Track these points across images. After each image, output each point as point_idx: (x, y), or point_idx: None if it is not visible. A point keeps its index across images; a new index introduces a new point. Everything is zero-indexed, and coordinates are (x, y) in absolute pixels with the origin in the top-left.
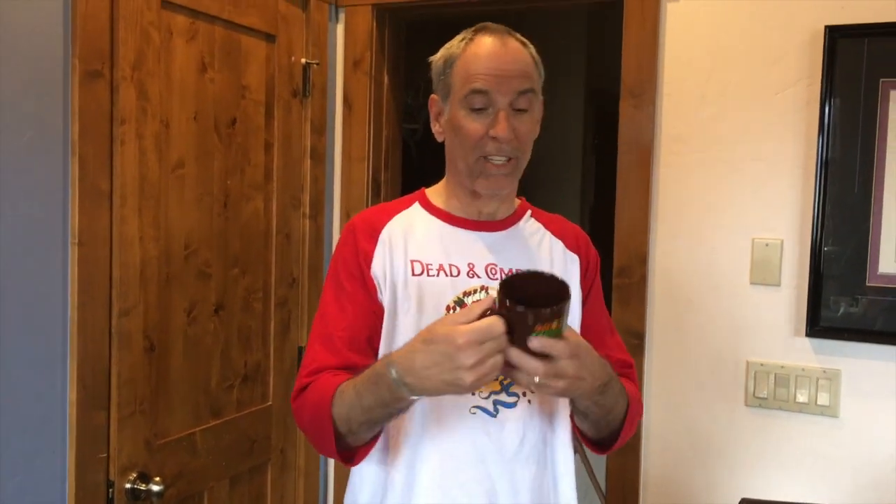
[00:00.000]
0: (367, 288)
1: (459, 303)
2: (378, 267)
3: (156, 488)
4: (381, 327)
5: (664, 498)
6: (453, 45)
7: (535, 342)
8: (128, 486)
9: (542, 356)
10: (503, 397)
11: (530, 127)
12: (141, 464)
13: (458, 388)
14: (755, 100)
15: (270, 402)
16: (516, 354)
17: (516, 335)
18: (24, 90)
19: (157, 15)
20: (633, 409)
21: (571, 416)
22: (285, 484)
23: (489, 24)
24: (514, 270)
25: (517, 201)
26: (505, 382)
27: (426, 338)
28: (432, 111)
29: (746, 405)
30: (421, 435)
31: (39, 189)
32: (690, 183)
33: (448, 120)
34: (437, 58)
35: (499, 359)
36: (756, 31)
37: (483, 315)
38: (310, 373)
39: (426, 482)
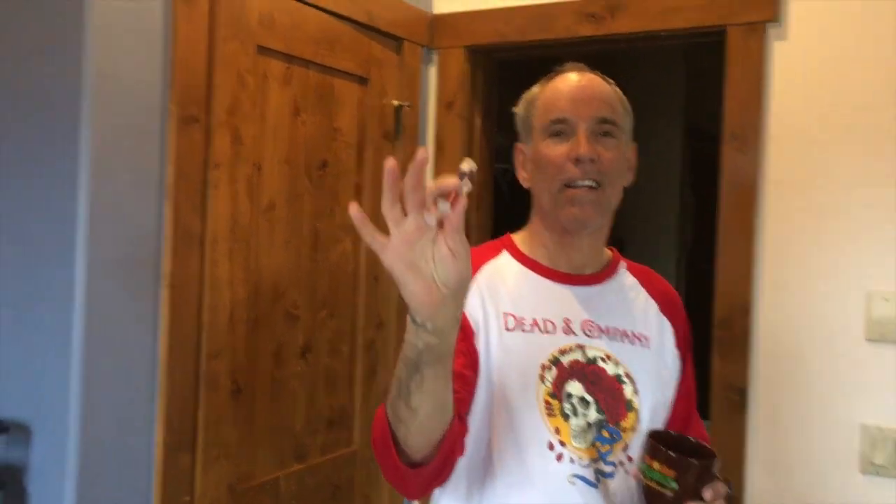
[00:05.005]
0: (465, 331)
1: (555, 361)
2: (473, 313)
3: None
4: (474, 375)
5: None
6: (534, 89)
7: (709, 493)
8: None
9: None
10: (601, 466)
11: (616, 155)
12: None
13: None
14: (871, 142)
15: (356, 447)
16: None
17: (686, 486)
18: (122, 135)
19: (254, 61)
20: None
21: None
22: None
23: (570, 63)
24: (610, 328)
25: (608, 252)
26: (603, 450)
27: None
28: (518, 160)
29: (862, 473)
30: None
31: (134, 231)
32: (798, 230)
33: (531, 158)
34: (520, 106)
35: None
36: (872, 69)
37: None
38: None
39: None
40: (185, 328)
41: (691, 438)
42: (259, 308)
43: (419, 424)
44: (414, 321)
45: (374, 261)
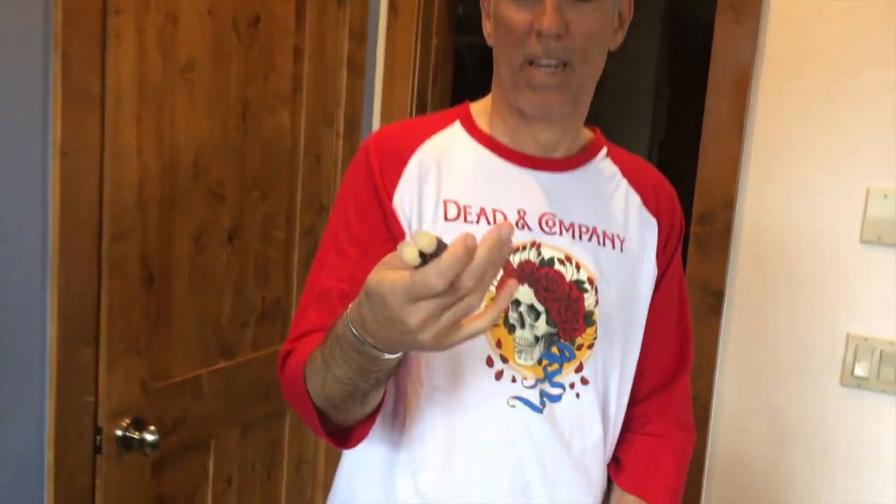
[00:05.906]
0: (389, 226)
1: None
2: (402, 202)
3: (150, 437)
4: None
5: (733, 489)
6: None
7: None
8: (119, 433)
9: None
10: (547, 387)
11: (594, 23)
12: (136, 409)
13: (426, 349)
14: (887, 20)
15: None
16: None
17: None
18: None
19: None
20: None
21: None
22: (304, 433)
23: None
24: (576, 224)
25: (588, 133)
26: (551, 369)
27: (365, 290)
28: (483, 8)
29: (842, 384)
30: (442, 435)
31: (14, 87)
32: (795, 116)
33: (493, 15)
34: None
35: (458, 310)
36: None
37: (423, 260)
38: (296, 337)
39: (448, 496)
40: (83, 205)
41: None
42: (176, 185)
43: (367, 410)
44: (387, 354)
45: (314, 137)
